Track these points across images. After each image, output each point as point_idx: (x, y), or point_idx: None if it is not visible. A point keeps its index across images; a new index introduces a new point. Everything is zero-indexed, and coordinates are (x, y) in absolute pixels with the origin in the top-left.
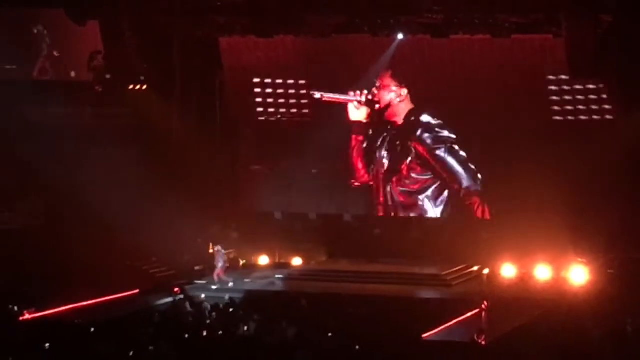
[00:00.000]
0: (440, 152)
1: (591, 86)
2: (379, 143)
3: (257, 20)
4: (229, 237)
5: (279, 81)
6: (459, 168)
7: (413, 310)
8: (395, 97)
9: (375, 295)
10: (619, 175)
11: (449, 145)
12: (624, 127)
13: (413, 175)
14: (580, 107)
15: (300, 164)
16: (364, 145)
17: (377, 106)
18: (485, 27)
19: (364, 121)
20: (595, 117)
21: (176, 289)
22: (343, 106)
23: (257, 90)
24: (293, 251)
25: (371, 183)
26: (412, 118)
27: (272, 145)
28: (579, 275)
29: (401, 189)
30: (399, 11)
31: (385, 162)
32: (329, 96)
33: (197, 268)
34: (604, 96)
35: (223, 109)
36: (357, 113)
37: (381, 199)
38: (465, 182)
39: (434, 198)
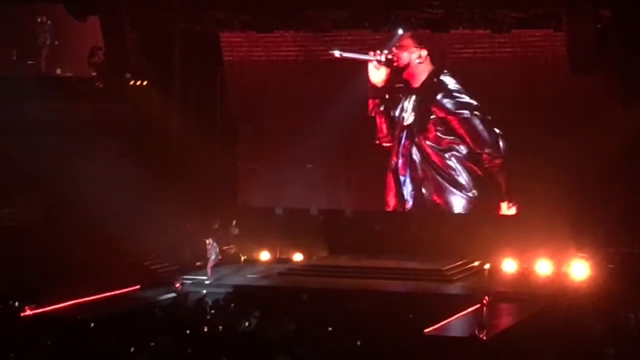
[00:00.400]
0: (463, 116)
1: (591, 80)
2: (399, 105)
3: (257, 16)
4: (229, 232)
5: (280, 77)
6: (484, 133)
7: (414, 305)
8: (415, 58)
9: (376, 290)
10: (620, 169)
11: (471, 111)
12: (625, 121)
13: (439, 134)
14: (581, 101)
15: (301, 160)
16: (381, 108)
17: (395, 64)
18: (485, 22)
19: (382, 84)
20: (595, 111)
21: (177, 285)
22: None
23: (258, 86)
24: (294, 247)
25: (388, 145)
26: (435, 79)
27: (272, 140)
28: (579, 270)
29: (429, 143)
30: (399, 5)
31: (407, 119)
32: (348, 55)
33: (198, 264)
34: (605, 90)
35: (223, 105)
36: (377, 73)
37: (394, 158)
38: (488, 148)
39: (461, 161)
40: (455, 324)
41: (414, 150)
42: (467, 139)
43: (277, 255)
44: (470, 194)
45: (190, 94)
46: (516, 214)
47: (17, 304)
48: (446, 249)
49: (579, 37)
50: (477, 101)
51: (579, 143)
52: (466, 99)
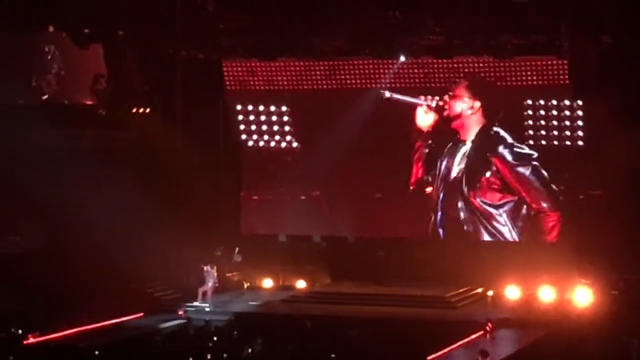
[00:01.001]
0: (522, 169)
1: (592, 106)
2: (445, 152)
3: (260, 43)
4: (232, 259)
5: (282, 104)
6: (541, 187)
7: (418, 332)
8: (467, 109)
9: (379, 317)
10: (623, 194)
11: (533, 163)
12: (628, 145)
13: (494, 189)
14: (582, 125)
15: (304, 187)
16: (426, 151)
17: (446, 113)
18: (487, 49)
19: (428, 129)
20: (599, 136)
21: (180, 312)
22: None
23: (260, 113)
24: (297, 274)
25: (428, 190)
26: (492, 132)
27: (274, 168)
28: (583, 296)
29: (480, 199)
30: (400, 33)
31: (455, 172)
32: (398, 97)
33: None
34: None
35: (226, 132)
36: (425, 118)
37: (440, 211)
38: (546, 203)
39: (512, 216)
40: (459, 351)
41: (460, 205)
42: (524, 194)
43: (280, 283)
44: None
45: (193, 120)
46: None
47: (20, 331)
48: (449, 276)
49: (581, 63)
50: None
51: (582, 169)
52: (526, 149)
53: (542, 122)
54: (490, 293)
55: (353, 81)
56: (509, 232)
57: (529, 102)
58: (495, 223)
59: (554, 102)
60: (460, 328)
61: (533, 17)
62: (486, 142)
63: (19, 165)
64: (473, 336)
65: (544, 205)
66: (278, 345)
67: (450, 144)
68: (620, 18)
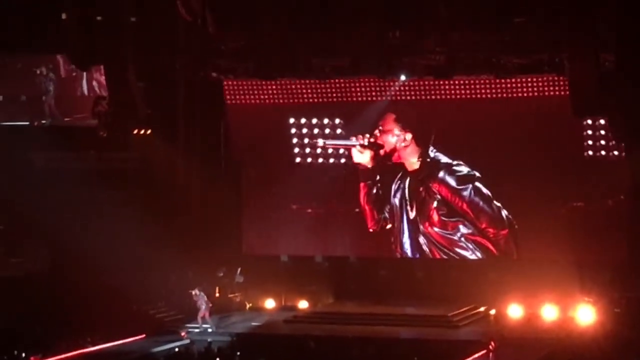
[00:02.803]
0: (466, 192)
1: (596, 123)
2: (394, 188)
3: (260, 63)
4: (234, 280)
5: (283, 123)
6: (485, 207)
7: (420, 351)
8: (400, 142)
9: (382, 337)
10: (625, 212)
11: (474, 184)
12: (630, 162)
13: (443, 218)
14: (586, 143)
15: (305, 206)
16: (374, 191)
17: (381, 151)
18: (488, 68)
19: (369, 165)
20: (601, 153)
21: (183, 334)
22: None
23: (261, 132)
24: (299, 294)
25: (388, 227)
26: (428, 159)
27: (277, 187)
28: (585, 314)
29: (436, 229)
30: (401, 52)
31: (408, 208)
32: (331, 143)
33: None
34: (609, 133)
35: (227, 152)
36: (361, 156)
37: (398, 250)
38: (491, 221)
39: (470, 237)
40: None
41: (422, 240)
42: (471, 216)
43: (283, 303)
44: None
45: (195, 140)
46: (521, 259)
47: (23, 354)
48: (452, 295)
49: (581, 81)
50: (482, 145)
51: (584, 186)
52: (465, 170)
53: None
54: (492, 312)
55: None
56: (472, 254)
57: None
58: (457, 249)
59: None
60: (462, 347)
61: (534, 36)
62: (426, 170)
63: (21, 188)
64: (476, 355)
65: (491, 224)
66: None
67: (398, 178)
68: (621, 36)
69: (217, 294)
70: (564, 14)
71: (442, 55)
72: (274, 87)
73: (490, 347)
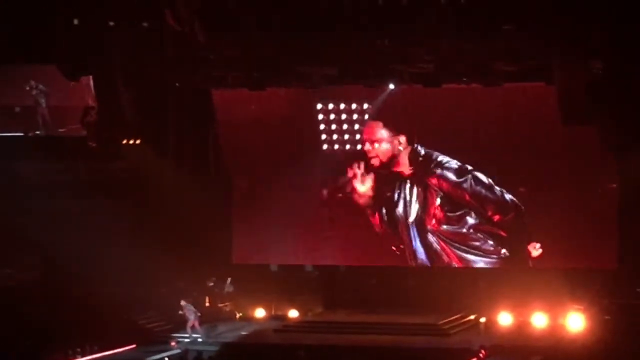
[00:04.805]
0: (467, 184)
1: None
2: (395, 199)
3: (249, 73)
4: (224, 290)
5: (272, 133)
6: (488, 194)
7: None
8: (397, 146)
9: (372, 346)
10: (615, 219)
11: (473, 173)
12: (619, 171)
13: (449, 214)
14: (574, 152)
15: (297, 213)
16: (384, 211)
17: (377, 161)
18: (477, 76)
19: (371, 194)
20: (589, 162)
21: (173, 343)
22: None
23: (251, 142)
24: (289, 303)
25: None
26: (420, 158)
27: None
28: (576, 322)
29: (445, 226)
30: (390, 60)
31: (413, 212)
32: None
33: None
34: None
35: (217, 162)
36: (364, 186)
37: (417, 253)
38: (497, 207)
39: (480, 227)
40: None
41: (433, 240)
42: (475, 205)
43: (273, 312)
44: (501, 255)
45: (185, 150)
46: (510, 269)
47: None
48: (442, 303)
49: (570, 89)
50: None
51: (574, 194)
52: (456, 164)
53: None
54: (482, 320)
55: None
56: (488, 245)
57: None
58: (471, 242)
59: None
60: (453, 355)
61: (523, 44)
62: (421, 169)
63: (11, 198)
64: None
65: (496, 209)
66: None
67: (397, 187)
68: (611, 44)
69: (207, 304)
70: (553, 21)
71: (431, 63)
72: (263, 96)
73: (481, 355)
